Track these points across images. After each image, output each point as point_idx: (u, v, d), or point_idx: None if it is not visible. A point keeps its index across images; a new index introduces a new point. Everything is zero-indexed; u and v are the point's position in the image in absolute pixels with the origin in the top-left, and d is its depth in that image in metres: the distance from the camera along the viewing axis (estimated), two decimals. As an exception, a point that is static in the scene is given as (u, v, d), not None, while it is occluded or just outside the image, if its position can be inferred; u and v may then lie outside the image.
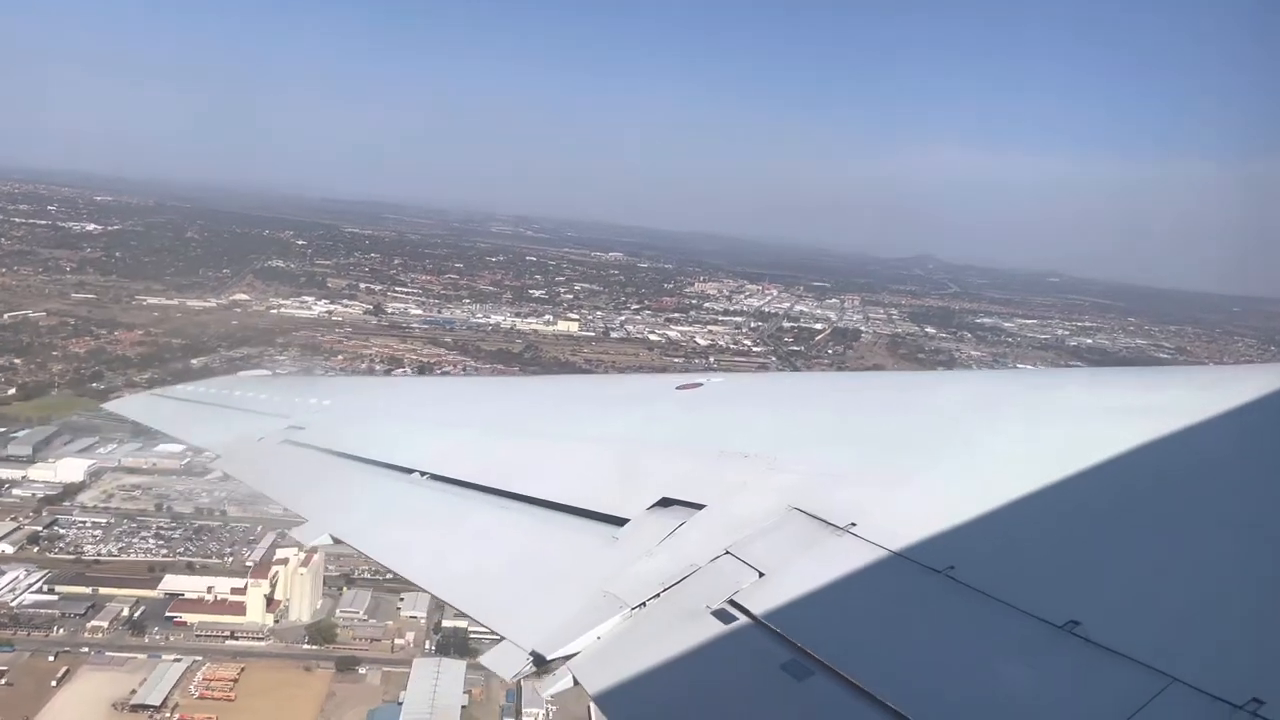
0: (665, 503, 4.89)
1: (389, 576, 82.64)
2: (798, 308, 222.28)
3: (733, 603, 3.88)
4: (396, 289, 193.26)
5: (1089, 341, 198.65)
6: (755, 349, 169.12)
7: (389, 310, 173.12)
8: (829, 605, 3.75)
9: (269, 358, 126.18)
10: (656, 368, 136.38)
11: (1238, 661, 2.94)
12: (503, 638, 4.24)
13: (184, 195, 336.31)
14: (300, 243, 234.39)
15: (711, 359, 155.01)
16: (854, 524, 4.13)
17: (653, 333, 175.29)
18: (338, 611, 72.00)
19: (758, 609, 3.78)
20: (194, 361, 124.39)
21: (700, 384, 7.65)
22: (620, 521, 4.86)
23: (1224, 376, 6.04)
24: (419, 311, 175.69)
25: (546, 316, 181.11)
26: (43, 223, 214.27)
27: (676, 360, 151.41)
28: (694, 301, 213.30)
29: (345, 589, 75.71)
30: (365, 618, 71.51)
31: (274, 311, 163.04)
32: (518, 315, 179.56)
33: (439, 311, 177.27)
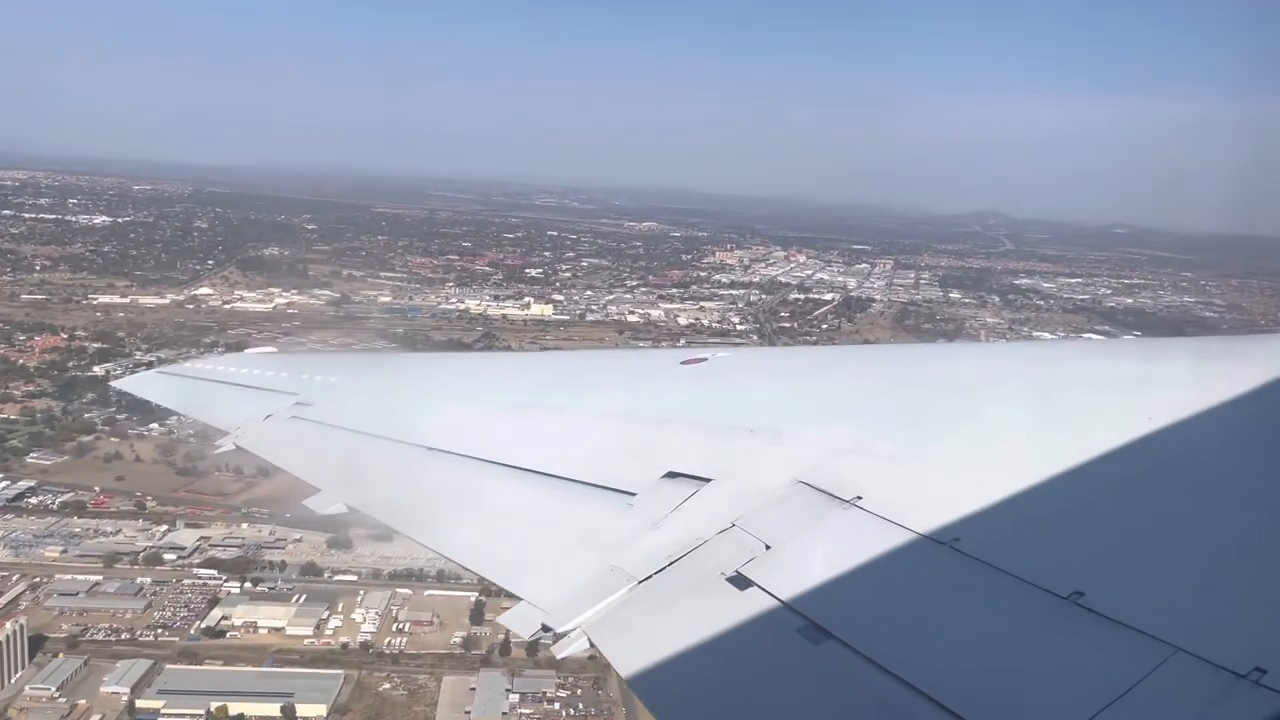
0: (672, 476, 4.90)
1: (123, 637, 72.97)
2: (819, 276, 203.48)
3: (740, 574, 3.93)
4: (382, 274, 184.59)
5: (1129, 301, 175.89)
6: (740, 327, 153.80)
7: (356, 299, 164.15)
8: (836, 577, 3.77)
9: (185, 359, 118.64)
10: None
11: (1241, 631, 2.93)
12: (520, 599, 4.38)
13: (231, 181, 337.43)
14: (310, 227, 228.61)
15: (682, 341, 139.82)
16: (860, 497, 4.16)
17: (633, 313, 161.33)
18: (28, 688, 62.05)
19: (765, 580, 3.84)
20: (96, 369, 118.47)
21: (704, 358, 7.59)
22: (628, 495, 4.90)
23: (1232, 348, 5.95)
24: (387, 299, 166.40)
25: (525, 299, 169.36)
26: (51, 216, 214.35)
27: (642, 345, 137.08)
28: (704, 274, 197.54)
29: (61, 655, 65.83)
30: (56, 695, 61.35)
31: (228, 306, 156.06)
32: (495, 299, 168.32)
33: (410, 298, 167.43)
